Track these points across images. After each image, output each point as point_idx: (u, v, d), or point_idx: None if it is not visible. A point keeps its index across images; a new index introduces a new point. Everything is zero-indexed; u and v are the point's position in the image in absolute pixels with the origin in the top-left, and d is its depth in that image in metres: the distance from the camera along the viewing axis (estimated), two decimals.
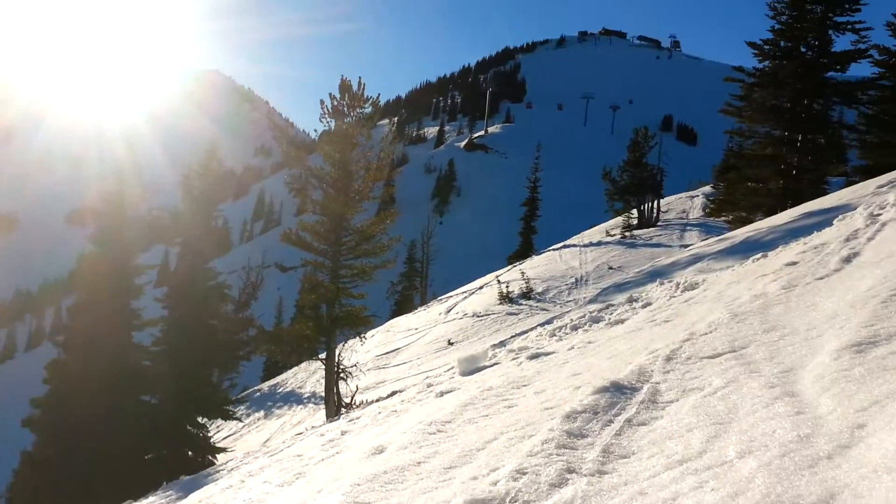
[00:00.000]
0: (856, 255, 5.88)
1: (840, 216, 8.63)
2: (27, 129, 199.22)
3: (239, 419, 17.52)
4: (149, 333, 14.88)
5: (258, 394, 24.33)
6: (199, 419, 14.93)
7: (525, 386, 5.66)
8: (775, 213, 19.29)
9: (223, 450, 15.17)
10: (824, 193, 19.92)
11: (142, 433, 13.54)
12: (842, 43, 27.84)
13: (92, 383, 13.03)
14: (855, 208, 8.86)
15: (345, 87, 15.21)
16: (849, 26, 21.77)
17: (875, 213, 7.50)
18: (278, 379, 25.73)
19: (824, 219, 10.33)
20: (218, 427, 19.89)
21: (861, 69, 22.65)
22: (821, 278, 5.48)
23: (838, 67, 22.61)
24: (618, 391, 4.03)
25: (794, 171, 22.19)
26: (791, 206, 18.67)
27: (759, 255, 8.97)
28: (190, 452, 14.51)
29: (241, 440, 18.45)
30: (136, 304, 14.62)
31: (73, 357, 13.65)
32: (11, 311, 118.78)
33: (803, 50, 22.62)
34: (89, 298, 14.01)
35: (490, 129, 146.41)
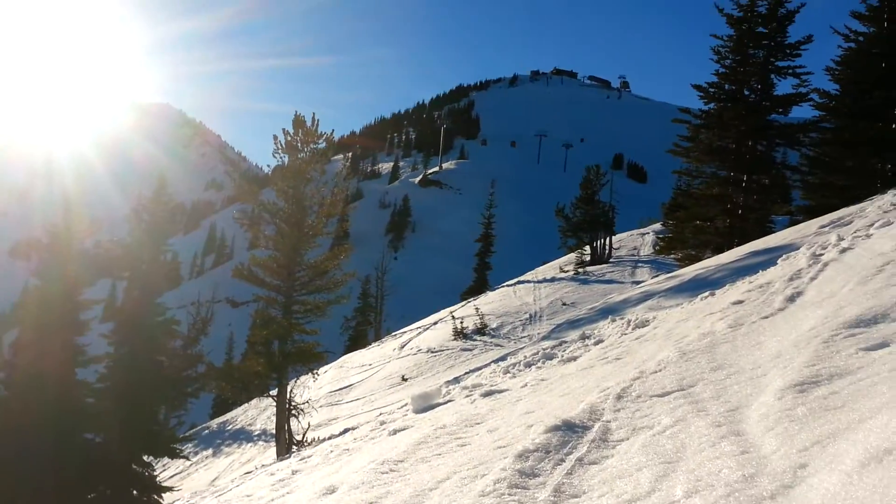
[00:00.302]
0: (799, 294, 6.05)
1: (784, 255, 8.88)
2: None
3: (186, 457, 17.02)
4: (93, 370, 14.46)
5: (206, 431, 23.77)
6: (145, 458, 14.49)
7: (478, 424, 5.67)
8: (723, 251, 19.76)
9: (169, 489, 14.72)
10: (769, 232, 20.49)
11: (85, 472, 13.08)
12: (784, 86, 28.85)
13: (34, 421, 12.56)
14: (798, 248, 9.13)
15: (298, 122, 15.22)
16: (790, 71, 22.62)
17: (818, 253, 7.74)
18: (228, 416, 25.20)
19: (769, 258, 10.62)
20: (164, 465, 19.34)
21: (803, 111, 23.62)
22: (766, 317, 5.62)
23: (781, 110, 23.42)
24: (570, 430, 4.07)
25: (739, 211, 22.78)
26: (738, 245, 19.15)
27: (707, 294, 9.18)
28: (135, 492, 14.04)
29: (189, 479, 17.97)
30: (81, 339, 14.22)
31: (15, 394, 13.16)
32: None
33: (746, 93, 23.39)
34: (33, 334, 13.56)
35: (444, 166, 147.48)
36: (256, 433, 20.35)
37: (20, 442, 12.49)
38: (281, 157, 15.38)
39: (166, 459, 17.34)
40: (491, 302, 25.16)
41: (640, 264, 28.91)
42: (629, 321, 9.54)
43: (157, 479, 15.08)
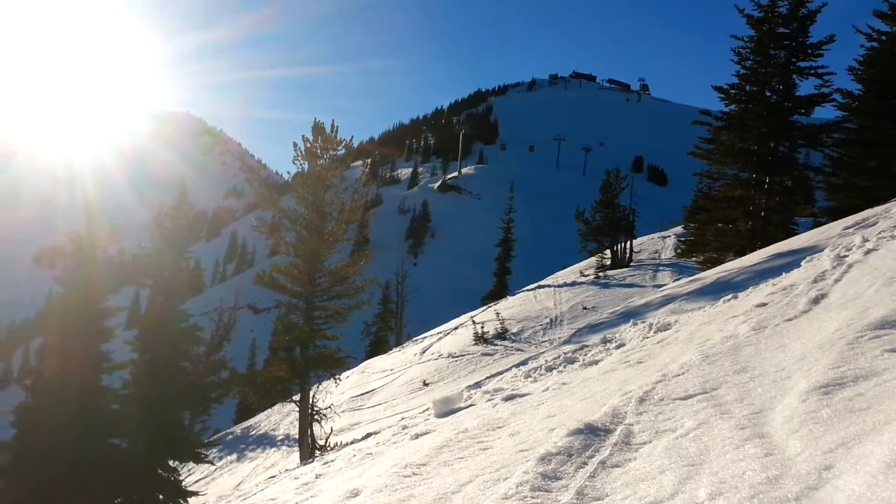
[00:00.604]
0: (823, 296, 6.00)
1: (808, 257, 8.80)
2: None
3: (211, 462, 17.20)
4: (118, 377, 14.64)
5: (231, 436, 23.94)
6: (171, 463, 14.64)
7: (500, 428, 5.67)
8: (745, 253, 19.59)
9: (195, 493, 14.87)
10: (792, 234, 20.31)
11: (111, 477, 13.24)
12: (806, 87, 28.65)
13: (60, 427, 12.75)
14: (822, 250, 9.06)
15: (318, 129, 15.32)
16: (811, 71, 22.40)
17: (842, 254, 7.67)
18: (251, 421, 25.36)
19: (793, 260, 10.53)
20: (189, 470, 19.50)
21: (826, 112, 23.42)
22: (789, 320, 5.58)
23: (803, 111, 23.18)
24: (592, 433, 4.06)
25: (762, 213, 22.58)
26: (760, 247, 19.00)
27: (729, 296, 9.11)
28: (161, 496, 14.19)
29: (214, 483, 18.11)
30: (106, 346, 14.40)
31: (41, 401, 13.36)
32: None
33: (768, 94, 23.17)
34: (58, 341, 13.77)
35: (463, 171, 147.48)
36: (280, 438, 20.46)
37: (47, 448, 12.65)
38: (301, 164, 15.49)
39: (191, 464, 17.50)
40: (511, 307, 25.12)
41: (661, 268, 28.74)
42: (651, 325, 9.50)
43: (183, 483, 15.23)
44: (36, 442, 12.77)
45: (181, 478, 15.44)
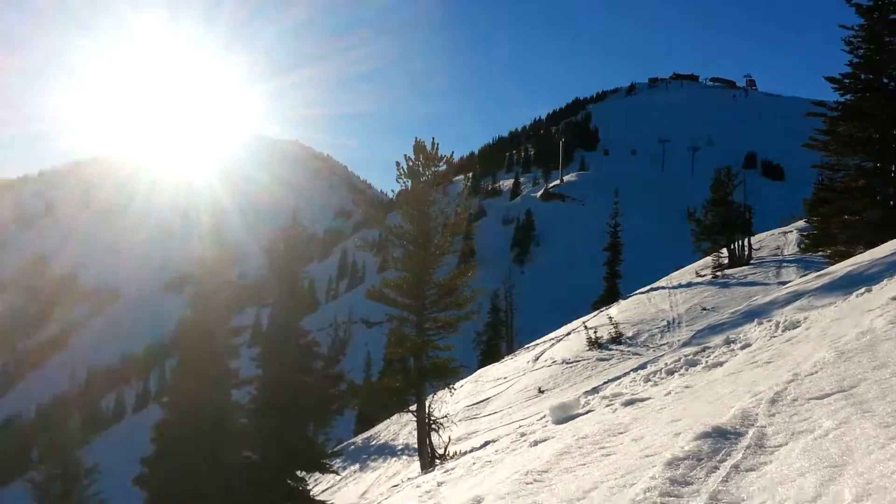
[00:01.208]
0: None
1: None
2: (120, 205, 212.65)
3: (336, 472, 17.63)
4: (245, 392, 15.33)
5: (352, 447, 24.47)
6: (298, 473, 15.16)
7: (622, 433, 5.56)
8: (876, 245, 18.47)
9: (323, 503, 15.39)
10: None
11: (246, 488, 13.85)
12: None
13: (195, 442, 13.47)
14: None
15: (419, 147, 15.58)
16: None
17: None
18: (371, 432, 25.85)
19: None
20: (316, 480, 20.04)
21: None
22: None
23: None
24: (721, 436, 3.93)
25: (891, 202, 21.28)
26: (893, 238, 17.87)
27: (862, 290, 8.64)
28: None
29: (340, 493, 18.54)
30: (233, 364, 15.12)
31: (177, 417, 14.15)
32: (119, 376, 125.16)
33: (885, 81, 21.89)
34: (191, 360, 14.57)
35: (565, 178, 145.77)
36: (399, 448, 20.77)
37: (184, 461, 13.36)
38: (404, 182, 15.80)
39: (318, 474, 18.00)
40: (624, 310, 24.61)
41: (784, 264, 27.47)
42: (778, 323, 9.11)
43: (311, 493, 15.75)
44: (173, 456, 13.50)
45: (309, 488, 15.95)
